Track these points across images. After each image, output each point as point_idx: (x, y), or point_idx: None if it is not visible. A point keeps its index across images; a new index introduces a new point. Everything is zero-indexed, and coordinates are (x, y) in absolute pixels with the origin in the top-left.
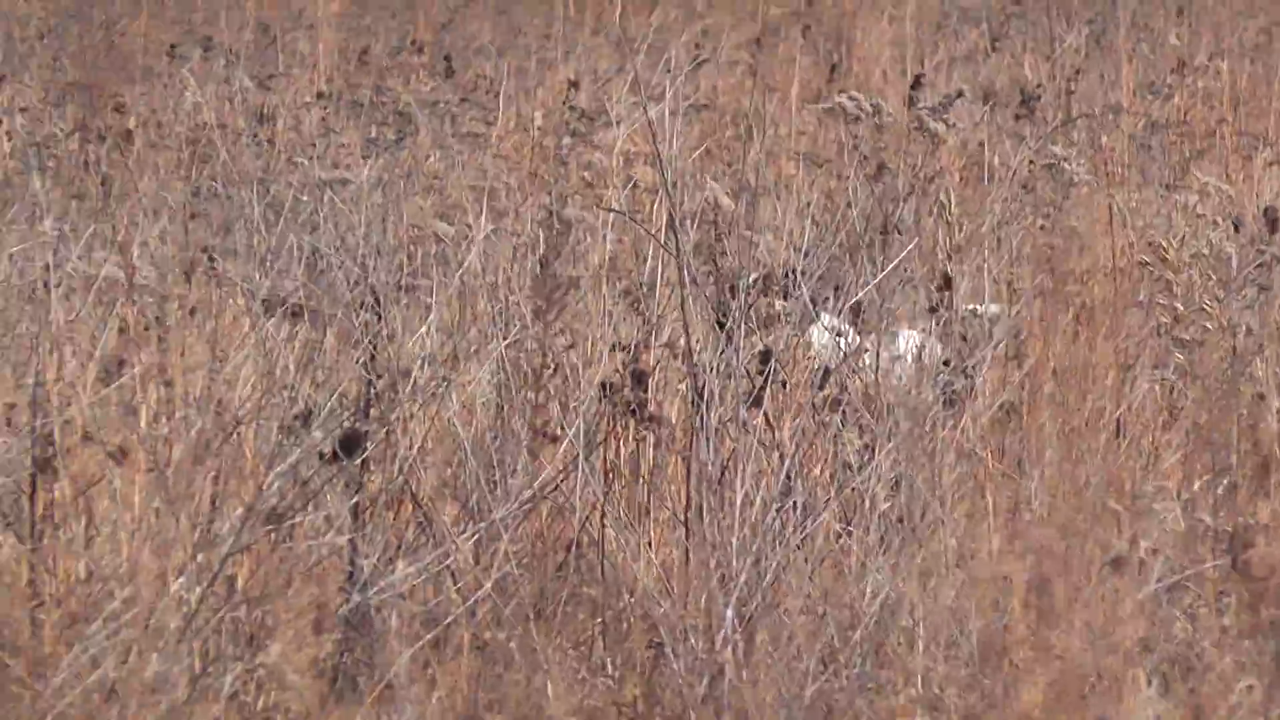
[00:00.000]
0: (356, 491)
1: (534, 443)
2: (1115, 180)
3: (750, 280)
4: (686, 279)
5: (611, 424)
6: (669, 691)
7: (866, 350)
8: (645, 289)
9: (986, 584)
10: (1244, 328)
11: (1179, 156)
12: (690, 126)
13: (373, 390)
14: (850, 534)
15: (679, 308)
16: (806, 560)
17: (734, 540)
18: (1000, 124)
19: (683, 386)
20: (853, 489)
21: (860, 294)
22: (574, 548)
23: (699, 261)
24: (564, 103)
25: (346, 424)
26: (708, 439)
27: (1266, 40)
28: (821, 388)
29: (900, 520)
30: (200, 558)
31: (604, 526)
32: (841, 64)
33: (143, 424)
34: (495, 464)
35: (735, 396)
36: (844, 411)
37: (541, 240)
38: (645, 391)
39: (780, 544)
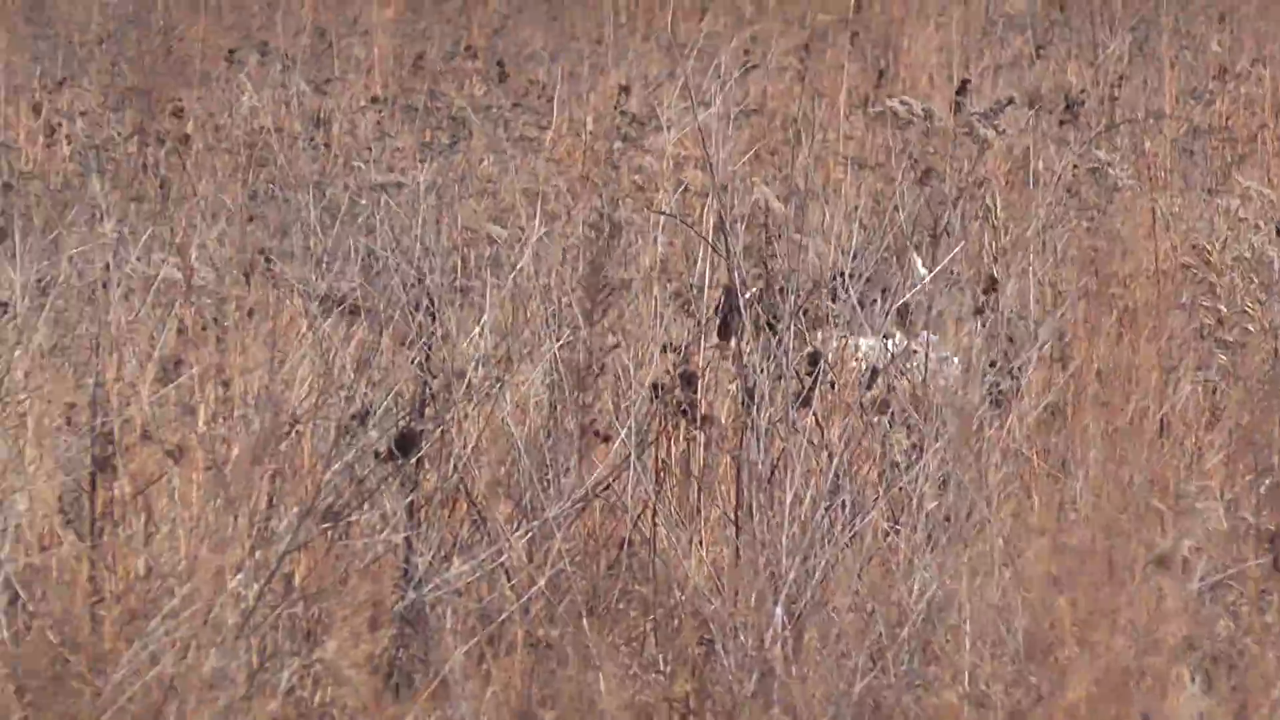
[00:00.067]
0: (412, 490)
1: (586, 442)
2: (1158, 185)
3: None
4: (736, 281)
5: (663, 424)
6: (719, 687)
7: (915, 351)
8: (695, 291)
9: (1032, 582)
10: None
11: (1221, 161)
12: (740, 131)
13: (428, 390)
14: (898, 532)
15: (730, 309)
16: (855, 558)
17: (783, 539)
18: (1045, 129)
19: (733, 387)
20: (900, 488)
21: (907, 296)
22: (626, 546)
23: (749, 264)
24: (615, 107)
25: (402, 423)
26: (758, 439)
27: None
28: (868, 388)
29: (947, 519)
30: (258, 555)
31: (655, 525)
32: (889, 70)
33: (201, 423)
34: (548, 463)
35: (785, 397)
36: (892, 412)
37: (591, 243)
38: (695, 392)
39: (829, 542)
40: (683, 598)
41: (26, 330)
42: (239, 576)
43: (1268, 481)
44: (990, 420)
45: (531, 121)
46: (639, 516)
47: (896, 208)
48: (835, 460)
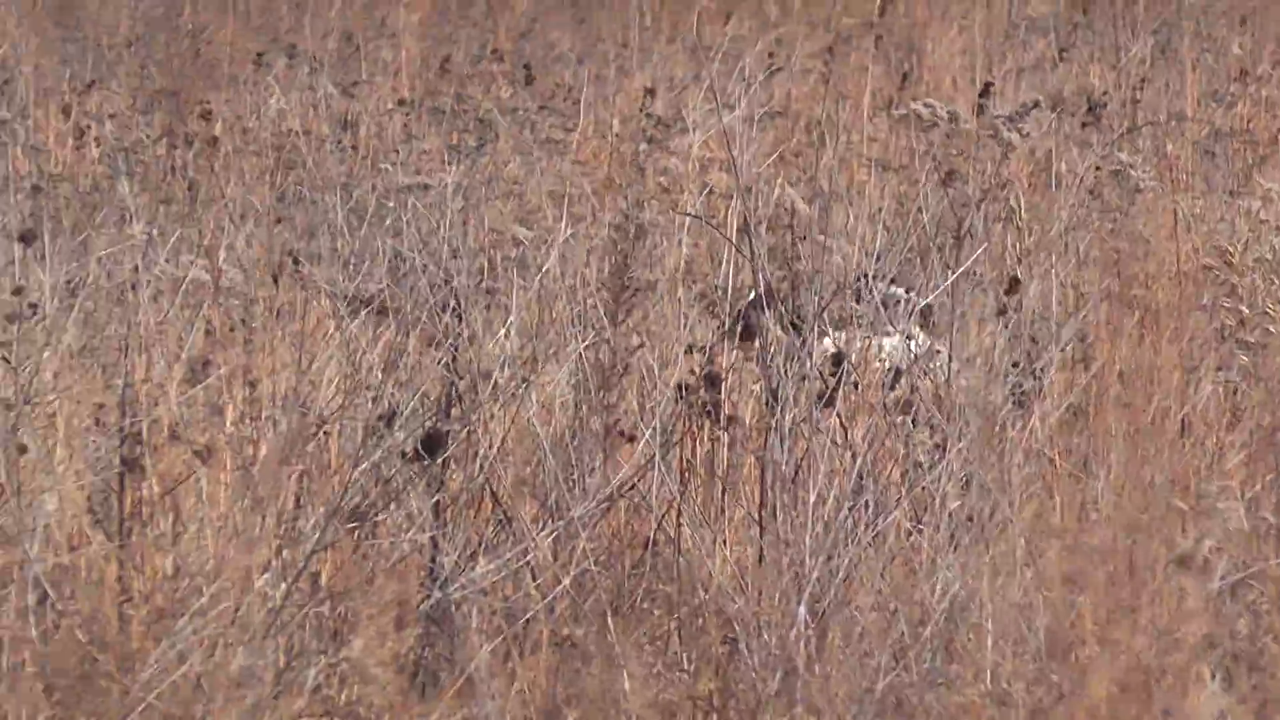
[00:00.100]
0: (438, 490)
1: (611, 442)
2: (1180, 186)
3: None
4: (761, 282)
5: (687, 424)
6: (743, 686)
7: (939, 352)
8: (720, 292)
9: (1054, 581)
10: None
11: (1242, 163)
12: (764, 133)
13: (454, 391)
14: (921, 532)
15: (753, 310)
16: (878, 558)
17: (807, 538)
18: (1068, 132)
19: (757, 388)
20: (923, 488)
21: (930, 297)
22: (650, 545)
23: (773, 265)
24: (641, 110)
25: (428, 424)
26: (781, 439)
27: None
28: (891, 388)
29: (970, 519)
30: (285, 555)
31: (680, 525)
32: (912, 73)
33: (229, 424)
34: (573, 463)
35: (808, 397)
36: (915, 412)
37: (616, 244)
38: (720, 393)
39: (852, 542)
40: (707, 597)
41: (56, 331)
42: (266, 576)
43: None
44: (1013, 421)
45: (558, 124)
46: (663, 516)
47: (920, 209)
48: (859, 460)
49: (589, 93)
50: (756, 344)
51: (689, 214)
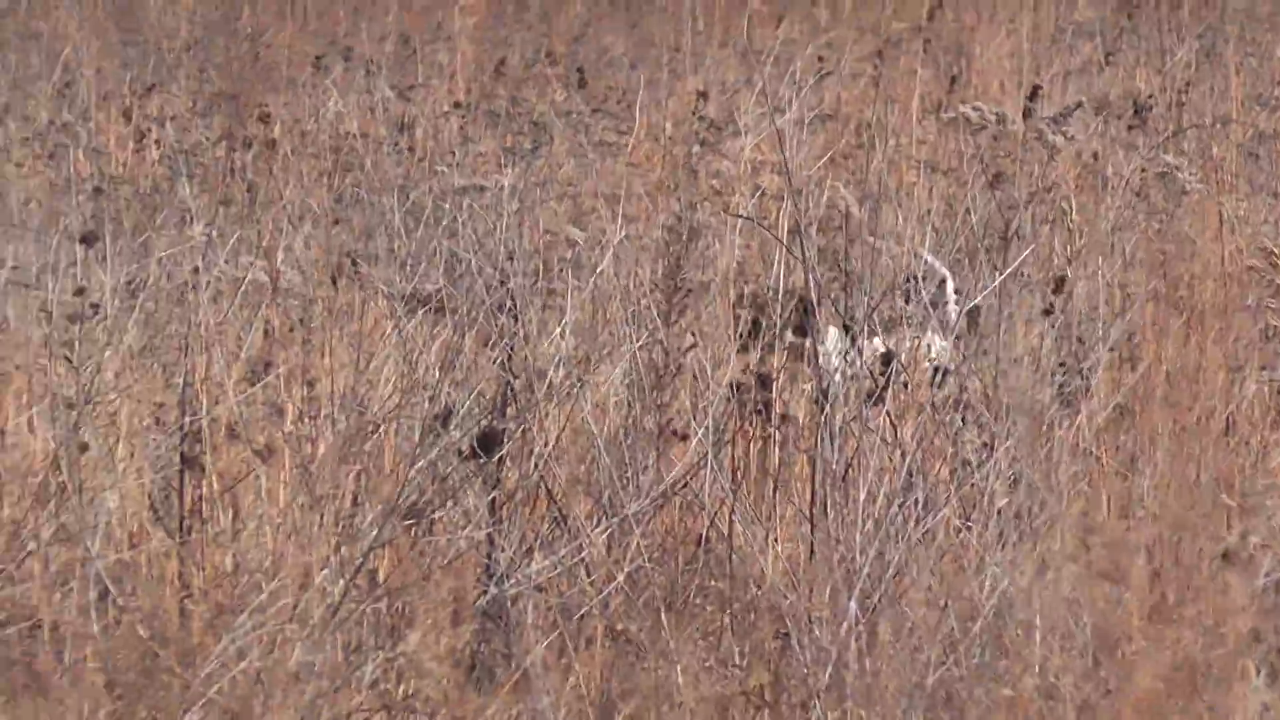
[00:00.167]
0: (494, 488)
1: (664, 441)
2: (1225, 188)
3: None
4: (812, 283)
5: (739, 423)
6: (794, 680)
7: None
8: (772, 293)
9: (1101, 577)
10: None
11: None
12: (815, 136)
13: (510, 390)
14: (970, 529)
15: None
16: (927, 554)
17: (857, 535)
18: (1114, 134)
19: (808, 387)
20: (972, 486)
21: (979, 298)
22: (703, 542)
23: (824, 266)
24: (693, 113)
25: (484, 423)
26: (832, 438)
27: None
28: (932, 386)
29: (1018, 516)
30: (343, 552)
31: (732, 522)
32: (961, 76)
33: (288, 423)
34: (627, 461)
35: (858, 397)
36: (964, 411)
37: (669, 245)
38: (771, 392)
39: (902, 539)
40: (759, 593)
41: (117, 331)
42: (325, 572)
43: None
44: (1060, 420)
45: (611, 127)
46: (716, 513)
47: (968, 211)
48: (908, 458)
49: (642, 96)
50: (807, 344)
51: (741, 215)
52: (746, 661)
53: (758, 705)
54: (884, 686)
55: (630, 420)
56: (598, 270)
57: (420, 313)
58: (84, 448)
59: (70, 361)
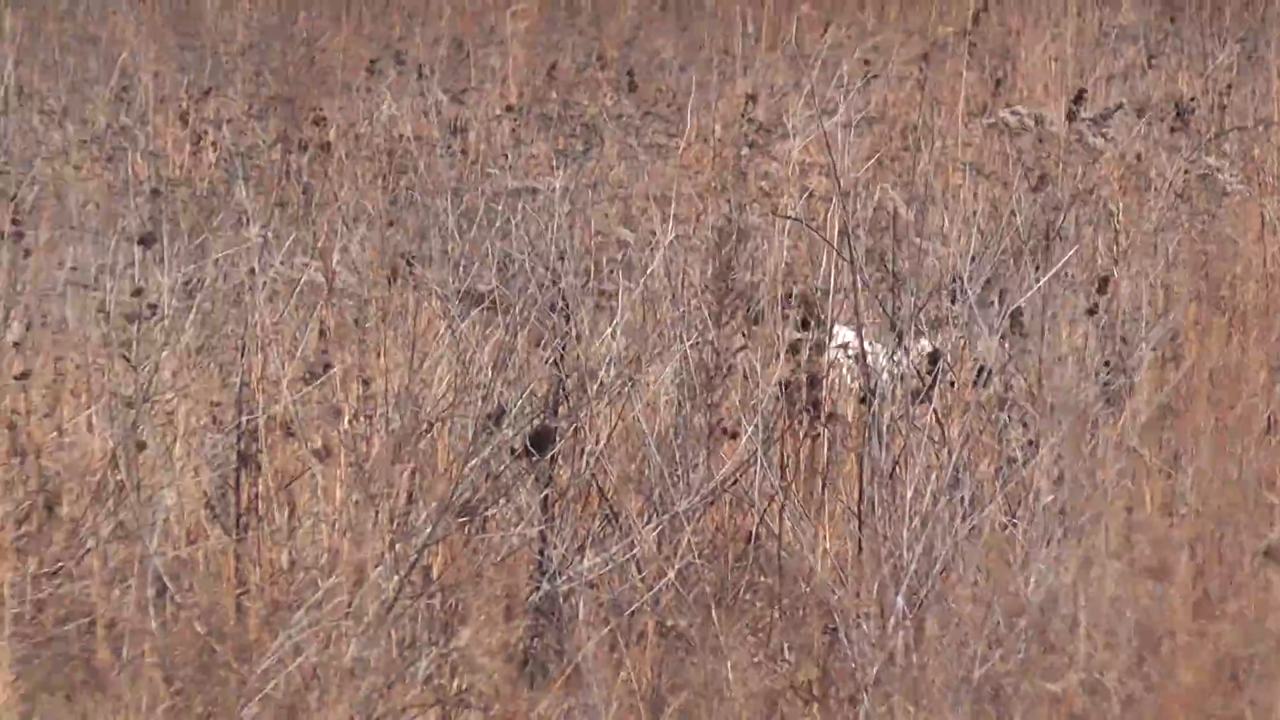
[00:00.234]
0: (546, 485)
1: (714, 439)
2: (1267, 190)
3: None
4: (860, 284)
5: (788, 421)
6: (842, 675)
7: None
8: (820, 293)
9: (1144, 573)
10: None
11: None
12: (862, 138)
13: (561, 389)
14: (1015, 525)
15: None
16: (973, 550)
17: (905, 532)
18: (1157, 137)
19: (856, 386)
20: (1017, 483)
21: (1023, 298)
22: (753, 539)
23: (871, 267)
24: (743, 115)
25: (536, 421)
26: (880, 436)
27: None
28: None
29: (1062, 513)
30: (397, 549)
31: (782, 519)
32: (1006, 79)
33: (345, 422)
34: (678, 459)
35: (905, 395)
36: (1009, 409)
37: (719, 247)
38: (820, 391)
39: (948, 535)
40: (808, 588)
41: (174, 331)
42: (379, 569)
43: None
44: (1104, 418)
45: (661, 129)
46: (765, 510)
47: (1013, 213)
48: (954, 456)
49: (692, 99)
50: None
51: (789, 217)
52: (795, 656)
53: (806, 700)
54: (930, 681)
55: (680, 419)
56: (648, 271)
57: (473, 313)
58: (142, 446)
59: (128, 361)
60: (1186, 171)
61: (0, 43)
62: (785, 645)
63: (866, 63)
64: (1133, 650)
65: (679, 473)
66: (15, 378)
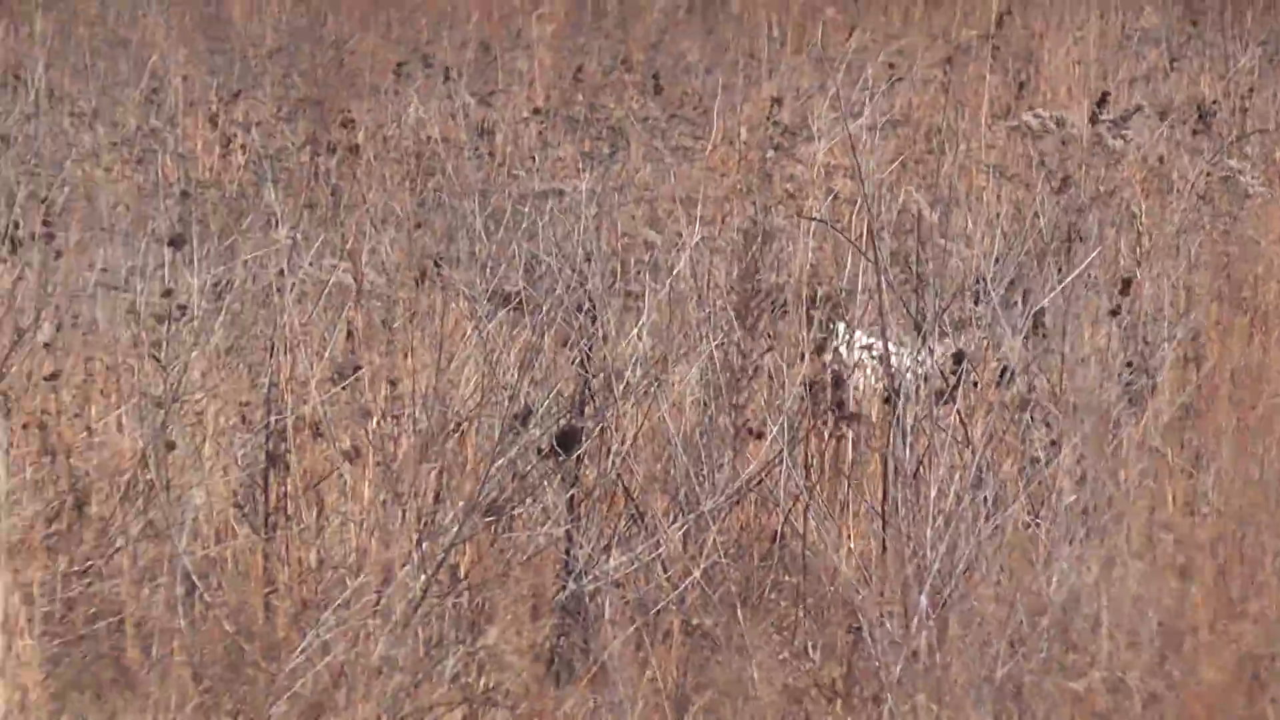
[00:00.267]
0: (572, 485)
1: (740, 439)
2: None
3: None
4: (884, 285)
5: (813, 421)
6: (866, 673)
7: (1050, 353)
8: (845, 294)
9: (1166, 573)
10: None
11: None
12: (886, 141)
13: (588, 389)
14: (1038, 525)
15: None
16: (996, 550)
17: (928, 531)
18: (1179, 139)
19: (880, 386)
20: (1040, 483)
21: (1046, 299)
22: (778, 538)
23: (896, 269)
24: (768, 118)
25: (563, 421)
26: (903, 436)
27: None
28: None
29: (1085, 512)
30: (425, 548)
31: (806, 518)
32: (1029, 82)
33: (374, 423)
34: (703, 459)
35: (929, 396)
36: (1032, 409)
37: (745, 248)
38: (844, 391)
39: (972, 535)
40: (832, 588)
41: (204, 332)
42: (407, 568)
43: None
44: (1127, 418)
45: (687, 132)
46: (790, 510)
47: (1036, 214)
48: (977, 456)
49: (718, 102)
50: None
51: (814, 219)
52: (819, 655)
53: (830, 698)
54: (953, 680)
55: (706, 419)
56: (674, 272)
57: (500, 314)
58: (171, 446)
59: (158, 361)
60: (1208, 174)
61: (32, 46)
62: (809, 644)
63: (891, 66)
64: (1155, 649)
65: (704, 473)
66: (46, 378)
